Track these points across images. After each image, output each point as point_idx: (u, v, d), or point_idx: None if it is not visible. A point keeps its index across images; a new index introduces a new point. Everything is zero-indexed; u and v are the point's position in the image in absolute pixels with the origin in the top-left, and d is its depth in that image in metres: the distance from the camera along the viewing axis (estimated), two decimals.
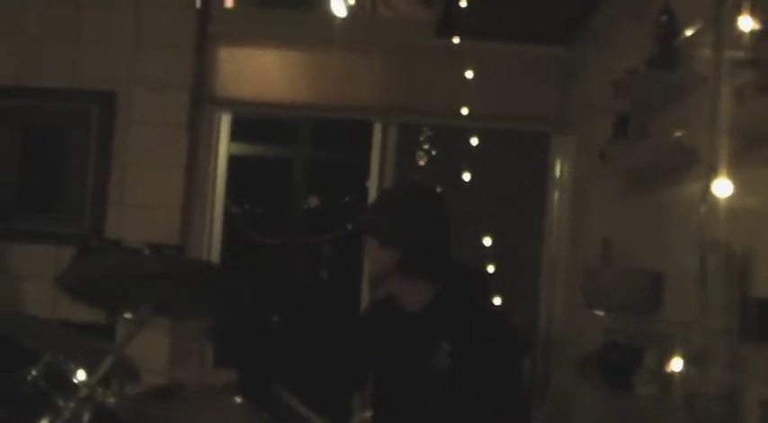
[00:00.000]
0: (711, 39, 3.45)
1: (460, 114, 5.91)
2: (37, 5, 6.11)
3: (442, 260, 3.17)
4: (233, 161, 6.61)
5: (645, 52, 3.96)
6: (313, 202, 7.09)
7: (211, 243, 6.42)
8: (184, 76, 6.12)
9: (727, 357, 3.03)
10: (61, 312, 5.56)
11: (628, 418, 3.88)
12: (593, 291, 4.32)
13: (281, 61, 6.40)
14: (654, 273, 3.96)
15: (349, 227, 7.35)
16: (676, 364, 3.32)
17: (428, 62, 6.27)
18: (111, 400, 2.66)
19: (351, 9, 7.02)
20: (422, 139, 6.59)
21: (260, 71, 6.36)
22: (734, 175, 3.03)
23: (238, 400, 3.10)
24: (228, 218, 6.81)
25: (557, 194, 6.27)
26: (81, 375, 2.71)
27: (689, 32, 3.74)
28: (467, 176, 5.98)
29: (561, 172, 6.24)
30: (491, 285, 3.26)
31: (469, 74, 5.89)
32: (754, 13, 2.86)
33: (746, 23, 2.89)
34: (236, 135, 6.65)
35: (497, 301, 5.37)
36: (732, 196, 3.03)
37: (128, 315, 2.60)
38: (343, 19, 6.67)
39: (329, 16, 6.71)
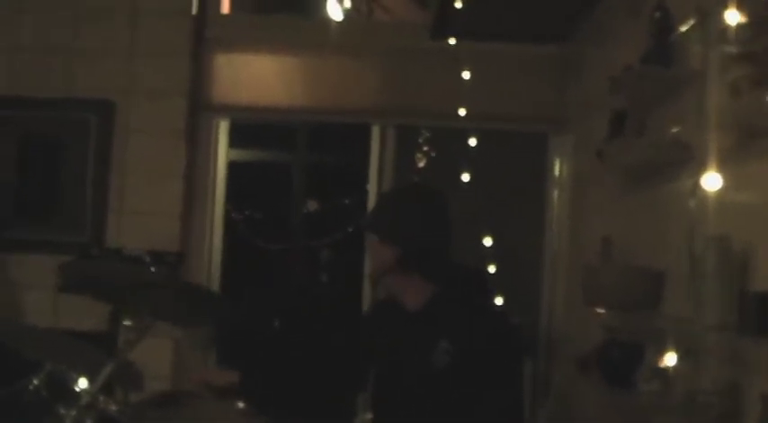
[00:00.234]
0: (703, 34, 3.46)
1: (458, 115, 5.92)
2: (34, 16, 6.12)
3: (442, 260, 3.18)
4: (232, 167, 6.62)
5: (641, 49, 3.97)
6: (312, 206, 7.09)
7: (212, 249, 6.44)
8: (182, 83, 6.14)
9: (726, 352, 3.03)
10: (62, 321, 5.62)
11: (629, 414, 3.88)
12: (593, 288, 4.32)
13: (278, 66, 6.42)
14: (654, 269, 3.96)
15: (349, 230, 7.34)
16: (677, 361, 3.32)
17: (424, 64, 6.28)
18: (114, 407, 2.67)
19: (347, 13, 7.02)
20: (420, 140, 6.58)
21: (257, 76, 6.37)
22: (730, 170, 3.03)
23: (240, 405, 3.11)
24: (229, 223, 6.82)
25: (556, 193, 6.28)
26: (83, 383, 2.71)
27: (683, 28, 3.74)
28: (466, 177, 5.99)
29: (560, 171, 6.25)
30: (491, 286, 3.26)
31: (466, 75, 5.91)
32: (740, 7, 2.86)
33: (733, 17, 2.89)
34: (234, 141, 6.66)
35: (499, 300, 5.39)
36: (729, 191, 3.03)
37: (127, 322, 2.60)
38: (340, 23, 6.68)
39: (325, 21, 6.72)
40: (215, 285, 6.40)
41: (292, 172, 6.90)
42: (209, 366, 6.28)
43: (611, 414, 4.30)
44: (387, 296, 3.39)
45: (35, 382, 2.71)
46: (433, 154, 6.53)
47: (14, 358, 2.74)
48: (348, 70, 6.39)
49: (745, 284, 2.96)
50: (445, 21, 5.85)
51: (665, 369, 3.41)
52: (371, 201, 6.50)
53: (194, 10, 6.20)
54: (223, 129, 6.54)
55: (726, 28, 2.94)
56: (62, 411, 2.55)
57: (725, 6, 2.94)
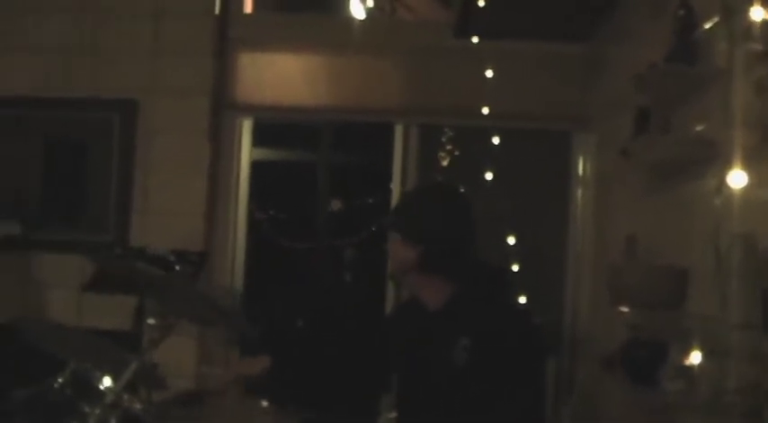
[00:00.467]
0: (727, 31, 3.44)
1: (481, 114, 5.90)
2: (57, 16, 6.14)
3: (464, 259, 3.18)
4: (255, 166, 6.63)
5: (664, 47, 3.95)
6: (336, 205, 7.10)
7: (236, 248, 6.45)
8: (205, 83, 6.15)
9: (751, 351, 3.02)
10: (87, 320, 5.64)
11: (653, 413, 3.87)
12: (617, 287, 4.30)
13: (302, 65, 6.42)
14: (678, 268, 3.94)
15: (373, 229, 7.34)
16: (701, 359, 3.30)
17: (448, 63, 6.27)
18: (138, 406, 2.68)
19: (369, 12, 7.02)
20: (443, 139, 6.57)
21: (280, 75, 6.38)
22: (755, 168, 3.01)
23: (263, 404, 3.12)
24: (252, 223, 6.83)
25: (580, 192, 6.27)
26: (107, 382, 2.73)
27: (707, 26, 3.72)
28: (489, 176, 5.98)
29: (584, 169, 6.24)
30: (513, 284, 3.26)
31: (489, 73, 5.89)
32: (765, 4, 2.84)
33: (758, 14, 2.87)
34: (257, 140, 6.66)
35: (522, 299, 5.38)
36: (754, 188, 3.01)
37: (151, 321, 2.61)
38: (363, 22, 6.68)
39: (348, 19, 6.72)
40: (239, 285, 6.41)
41: (316, 171, 6.91)
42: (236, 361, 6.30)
43: (635, 413, 4.29)
44: (410, 296, 3.39)
45: (60, 380, 2.73)
46: (457, 153, 6.52)
47: (40, 357, 2.76)
48: (371, 69, 6.38)
49: None
50: (468, 19, 5.85)
51: (690, 368, 3.39)
52: (395, 200, 6.49)
53: (217, 10, 6.21)
54: (246, 128, 6.55)
55: (750, 25, 2.93)
56: (86, 410, 2.56)
57: (750, 3, 2.92)
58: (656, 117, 4.27)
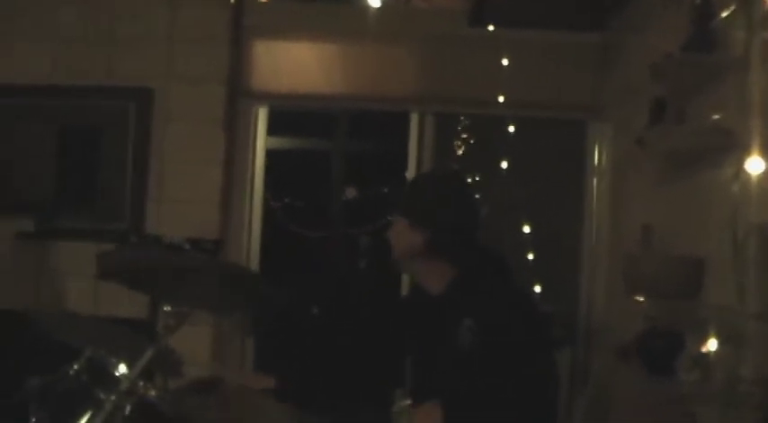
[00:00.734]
0: (745, 20, 3.42)
1: (497, 102, 5.90)
2: (73, 4, 6.14)
3: (469, 244, 3.20)
4: (271, 155, 6.63)
5: (680, 36, 3.93)
6: (351, 193, 7.08)
7: (251, 237, 6.45)
8: (220, 71, 6.15)
9: (767, 340, 3.01)
10: (103, 308, 5.65)
11: (669, 404, 3.86)
12: (633, 277, 4.29)
13: (317, 53, 6.41)
14: (694, 257, 3.93)
15: (388, 217, 7.34)
16: (717, 349, 3.30)
17: (463, 51, 6.26)
18: (153, 393, 2.68)
19: (385, 0, 7.00)
20: (459, 128, 6.57)
21: (296, 64, 6.37)
22: None
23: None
24: (267, 211, 6.83)
25: (595, 181, 6.26)
26: (122, 369, 2.73)
27: (724, 14, 3.70)
28: (504, 164, 5.98)
29: (599, 158, 6.23)
30: (511, 266, 3.27)
31: (505, 62, 5.88)
32: None
33: None
34: (273, 129, 6.66)
35: (537, 288, 5.38)
36: None
37: (167, 308, 2.61)
38: (378, 10, 6.66)
39: (364, 7, 6.69)
40: None
41: (331, 159, 6.90)
42: (248, 357, 6.33)
43: (650, 403, 4.28)
44: (413, 283, 3.42)
45: (75, 367, 2.73)
46: (472, 141, 6.52)
47: (56, 344, 2.77)
48: (386, 57, 6.37)
49: None
50: (484, 7, 5.84)
51: (706, 358, 3.39)
52: None
53: None
54: (262, 116, 6.55)
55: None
56: (102, 396, 2.56)
57: None
58: (671, 106, 4.25)
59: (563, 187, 6.38)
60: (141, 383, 2.63)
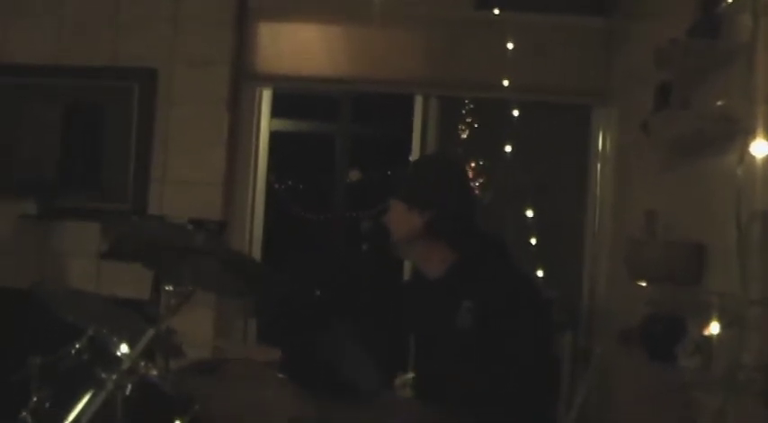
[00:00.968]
0: (752, 5, 3.41)
1: (502, 87, 5.88)
2: None
3: (469, 229, 3.23)
4: (274, 137, 6.62)
5: (686, 21, 3.92)
6: (354, 176, 7.08)
7: (254, 219, 6.45)
8: (225, 52, 6.14)
9: None
10: (105, 288, 5.66)
11: (670, 389, 3.86)
12: (636, 262, 4.30)
13: (321, 35, 6.39)
14: (697, 244, 3.93)
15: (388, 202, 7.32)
16: (719, 335, 3.30)
17: (468, 34, 6.23)
18: (154, 373, 2.69)
19: None
20: (463, 111, 6.55)
21: (300, 46, 6.35)
22: None
23: (280, 375, 3.12)
24: (271, 193, 6.83)
25: (599, 166, 6.24)
26: (124, 349, 2.74)
27: (730, 0, 3.69)
28: (509, 149, 5.97)
29: (603, 143, 6.21)
30: (510, 250, 3.28)
31: (510, 46, 5.87)
32: None
33: None
34: (277, 111, 6.65)
35: (540, 273, 5.37)
36: None
37: (169, 288, 2.61)
38: None
39: None
40: (257, 255, 6.42)
41: (335, 142, 6.89)
42: (250, 337, 6.32)
43: (651, 388, 4.28)
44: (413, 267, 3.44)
45: (77, 346, 2.74)
46: (476, 125, 6.51)
47: (58, 324, 2.77)
48: (391, 40, 6.35)
49: None
50: None
51: (707, 344, 3.39)
52: None
53: None
54: (266, 98, 6.54)
55: None
56: (103, 376, 2.57)
57: None
58: (676, 92, 4.24)
59: (567, 172, 6.36)
60: (142, 363, 2.64)
